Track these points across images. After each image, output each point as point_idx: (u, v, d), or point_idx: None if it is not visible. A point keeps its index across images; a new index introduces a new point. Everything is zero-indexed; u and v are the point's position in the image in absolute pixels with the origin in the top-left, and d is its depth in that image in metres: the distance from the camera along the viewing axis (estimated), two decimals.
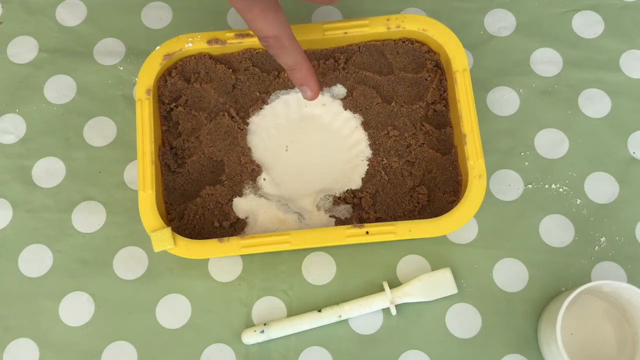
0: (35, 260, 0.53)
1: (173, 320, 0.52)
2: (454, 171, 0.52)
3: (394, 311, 0.51)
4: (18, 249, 0.54)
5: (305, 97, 0.49)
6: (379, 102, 0.54)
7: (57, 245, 0.54)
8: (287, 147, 0.54)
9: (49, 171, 0.56)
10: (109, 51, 0.60)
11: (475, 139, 0.50)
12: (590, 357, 0.49)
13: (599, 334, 0.49)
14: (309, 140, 0.54)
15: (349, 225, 0.48)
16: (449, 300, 0.52)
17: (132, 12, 0.61)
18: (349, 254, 0.53)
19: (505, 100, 0.57)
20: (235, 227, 0.51)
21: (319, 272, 0.53)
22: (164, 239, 0.47)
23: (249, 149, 0.53)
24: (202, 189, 0.52)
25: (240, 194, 0.52)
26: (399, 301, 0.51)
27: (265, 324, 0.51)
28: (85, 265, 0.53)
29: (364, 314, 0.51)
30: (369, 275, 0.52)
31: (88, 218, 0.54)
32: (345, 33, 0.54)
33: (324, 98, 0.54)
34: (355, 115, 0.54)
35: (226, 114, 0.54)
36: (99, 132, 0.57)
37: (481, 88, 0.57)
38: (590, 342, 0.49)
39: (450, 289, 0.51)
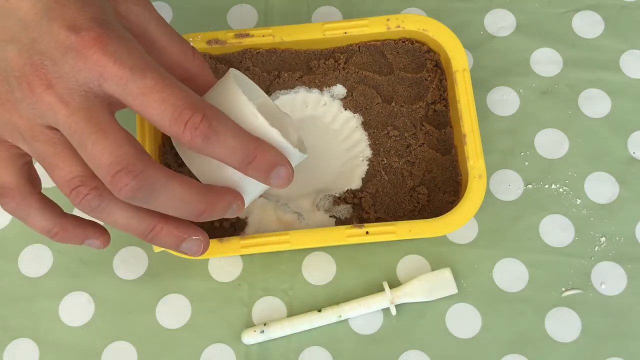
0: (35, 260, 0.53)
1: (173, 320, 0.52)
2: (454, 171, 0.52)
3: (394, 311, 0.51)
4: (18, 249, 0.54)
5: (278, 184, 0.37)
6: (379, 102, 0.54)
7: (57, 245, 0.54)
8: None
9: None
10: None
11: (475, 139, 0.50)
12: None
13: None
14: (309, 140, 0.54)
15: (349, 225, 0.48)
16: (449, 300, 0.52)
17: None
18: (349, 254, 0.53)
19: (505, 100, 0.57)
20: (235, 227, 0.51)
21: (319, 272, 0.53)
22: None
23: None
24: None
25: None
26: (399, 301, 0.51)
27: (265, 324, 0.51)
28: (85, 265, 0.53)
29: (364, 314, 0.51)
30: (369, 275, 0.52)
31: (88, 217, 0.54)
32: (345, 33, 0.54)
33: (324, 98, 0.54)
34: (355, 115, 0.54)
35: None
36: None
37: (481, 88, 0.57)
38: None
39: (450, 289, 0.51)
